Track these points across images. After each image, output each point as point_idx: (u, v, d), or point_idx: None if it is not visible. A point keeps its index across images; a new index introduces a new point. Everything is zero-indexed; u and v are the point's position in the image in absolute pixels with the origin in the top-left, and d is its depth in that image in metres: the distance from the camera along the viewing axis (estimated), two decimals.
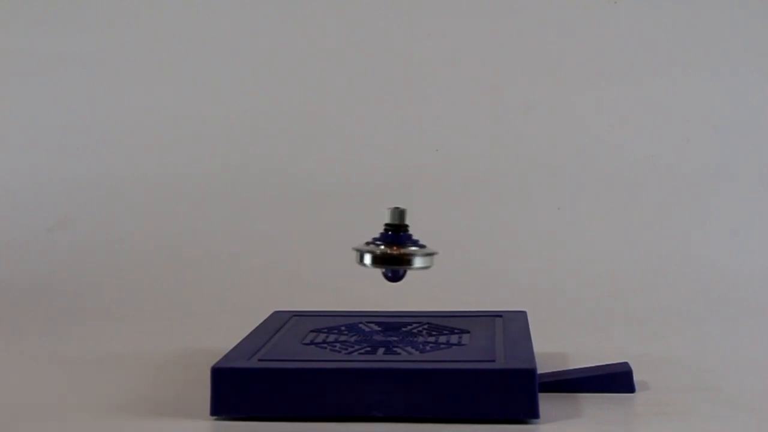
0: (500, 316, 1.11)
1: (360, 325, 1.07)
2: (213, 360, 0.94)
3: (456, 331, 1.04)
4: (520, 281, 1.45)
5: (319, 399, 0.89)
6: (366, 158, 1.58)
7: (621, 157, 1.56)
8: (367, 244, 0.99)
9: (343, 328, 1.06)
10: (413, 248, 0.97)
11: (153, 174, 1.59)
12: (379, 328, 1.06)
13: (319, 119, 1.60)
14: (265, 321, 1.11)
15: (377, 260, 0.97)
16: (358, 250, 0.98)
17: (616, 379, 0.98)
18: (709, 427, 0.90)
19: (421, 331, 1.05)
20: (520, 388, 0.88)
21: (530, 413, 0.88)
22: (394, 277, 1.00)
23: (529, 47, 1.59)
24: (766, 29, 1.58)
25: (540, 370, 0.91)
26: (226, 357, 0.95)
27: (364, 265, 0.98)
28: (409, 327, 1.07)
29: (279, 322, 1.10)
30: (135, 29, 1.63)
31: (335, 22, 1.61)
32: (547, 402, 0.92)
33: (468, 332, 1.04)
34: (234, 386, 0.90)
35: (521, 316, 1.10)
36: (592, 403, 0.95)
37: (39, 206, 1.59)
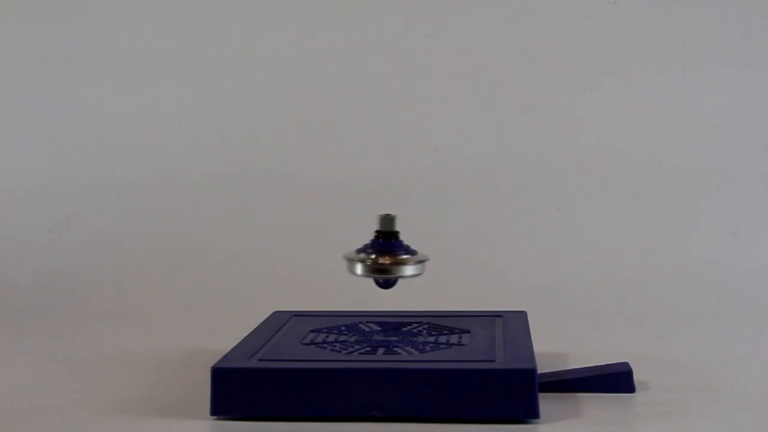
0: (500, 316, 1.11)
1: (360, 325, 1.07)
2: (213, 360, 0.94)
3: (456, 331, 1.04)
4: (520, 281, 1.45)
5: (319, 399, 0.89)
6: (366, 158, 1.58)
7: (621, 157, 1.56)
8: (358, 251, 0.98)
9: (343, 328, 1.06)
10: (405, 256, 0.97)
11: (153, 174, 1.60)
12: (379, 328, 1.06)
13: (319, 119, 1.60)
14: (265, 321, 1.11)
15: (369, 270, 0.97)
16: (349, 258, 0.98)
17: (616, 379, 0.98)
18: (709, 427, 0.90)
19: (421, 331, 1.05)
20: (520, 388, 0.88)
21: (530, 413, 0.88)
22: (386, 284, 0.99)
23: (529, 47, 1.59)
24: (766, 29, 1.58)
25: (540, 370, 0.91)
26: (226, 357, 0.95)
27: (356, 274, 0.98)
28: (409, 327, 1.07)
29: (279, 322, 1.10)
30: (135, 29, 1.63)
31: (335, 21, 1.61)
32: (547, 402, 0.92)
33: (468, 332, 1.04)
34: (234, 386, 0.90)
35: (521, 316, 1.10)
36: (592, 403, 0.95)
37: (39, 206, 1.60)
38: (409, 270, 0.97)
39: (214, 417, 0.91)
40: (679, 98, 1.57)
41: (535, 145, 1.57)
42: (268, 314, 1.14)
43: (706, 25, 1.58)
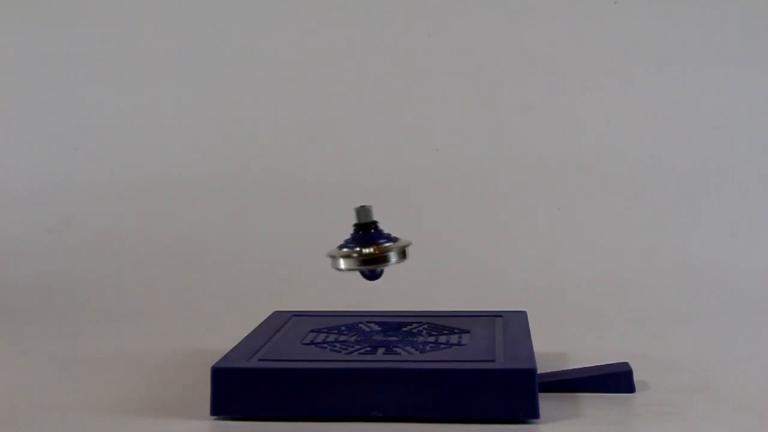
0: (500, 316, 1.11)
1: (360, 325, 1.07)
2: (213, 360, 0.94)
3: (456, 331, 1.04)
4: (520, 281, 1.45)
5: (318, 399, 0.89)
6: (366, 158, 1.58)
7: (621, 157, 1.56)
8: (340, 247, 0.98)
9: (343, 328, 1.06)
10: (386, 244, 0.97)
11: (153, 174, 1.60)
12: (379, 328, 1.06)
13: (319, 119, 1.60)
14: (265, 321, 1.11)
15: (352, 263, 0.97)
16: (331, 255, 0.98)
17: (616, 379, 0.98)
18: (709, 427, 0.90)
19: (421, 331, 1.05)
20: (520, 388, 0.88)
21: (530, 413, 0.88)
22: (372, 275, 0.99)
23: (529, 47, 1.59)
24: (766, 29, 1.58)
25: (540, 370, 0.91)
26: (226, 357, 0.95)
27: (340, 269, 0.97)
28: (409, 327, 1.07)
29: (279, 322, 1.10)
30: (135, 29, 1.63)
31: (335, 21, 1.61)
32: (547, 402, 0.93)
33: (468, 332, 1.04)
34: (234, 386, 0.90)
35: (521, 316, 1.11)
36: (592, 403, 0.95)
37: (39, 206, 1.60)
38: (393, 257, 0.97)
39: (214, 417, 0.91)
40: (679, 98, 1.57)
41: (535, 145, 1.57)
42: (268, 314, 1.14)
43: (706, 25, 1.58)
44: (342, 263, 0.97)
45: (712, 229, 1.53)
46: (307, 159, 1.59)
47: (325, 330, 1.06)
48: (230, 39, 1.62)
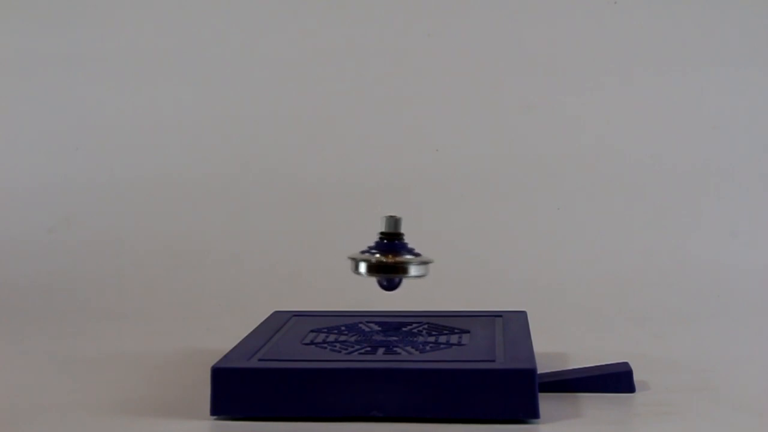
0: (500, 316, 1.11)
1: (360, 325, 1.07)
2: (213, 360, 0.94)
3: (456, 331, 1.04)
4: (520, 281, 1.45)
5: (318, 399, 0.89)
6: (366, 158, 1.58)
7: (621, 157, 1.56)
8: (363, 252, 0.99)
9: (343, 328, 1.06)
10: (408, 257, 0.97)
11: (153, 174, 1.60)
12: (379, 328, 1.06)
13: (319, 119, 1.60)
14: (265, 321, 1.11)
15: (372, 269, 0.97)
16: (353, 258, 0.98)
17: (616, 379, 0.98)
18: (709, 427, 0.90)
19: (421, 331, 1.05)
20: (520, 388, 0.88)
21: (530, 413, 0.88)
22: (390, 285, 0.99)
23: (529, 47, 1.59)
24: (766, 29, 1.58)
25: (540, 370, 0.91)
26: (226, 357, 0.95)
27: (359, 273, 0.98)
28: (409, 327, 1.07)
29: (279, 322, 1.10)
30: (135, 29, 1.63)
31: (335, 21, 1.61)
32: (547, 402, 0.92)
33: (468, 332, 1.04)
34: (234, 386, 0.90)
35: (521, 316, 1.10)
36: (592, 403, 0.95)
37: (39, 206, 1.60)
38: (413, 270, 0.97)
39: (214, 417, 0.91)
40: (679, 98, 1.57)
41: (535, 145, 1.57)
42: (268, 314, 1.14)
43: (706, 25, 1.58)
44: (362, 268, 0.97)
45: (712, 229, 1.53)
46: (307, 159, 1.59)
47: (325, 330, 1.06)
48: (230, 39, 1.62)
